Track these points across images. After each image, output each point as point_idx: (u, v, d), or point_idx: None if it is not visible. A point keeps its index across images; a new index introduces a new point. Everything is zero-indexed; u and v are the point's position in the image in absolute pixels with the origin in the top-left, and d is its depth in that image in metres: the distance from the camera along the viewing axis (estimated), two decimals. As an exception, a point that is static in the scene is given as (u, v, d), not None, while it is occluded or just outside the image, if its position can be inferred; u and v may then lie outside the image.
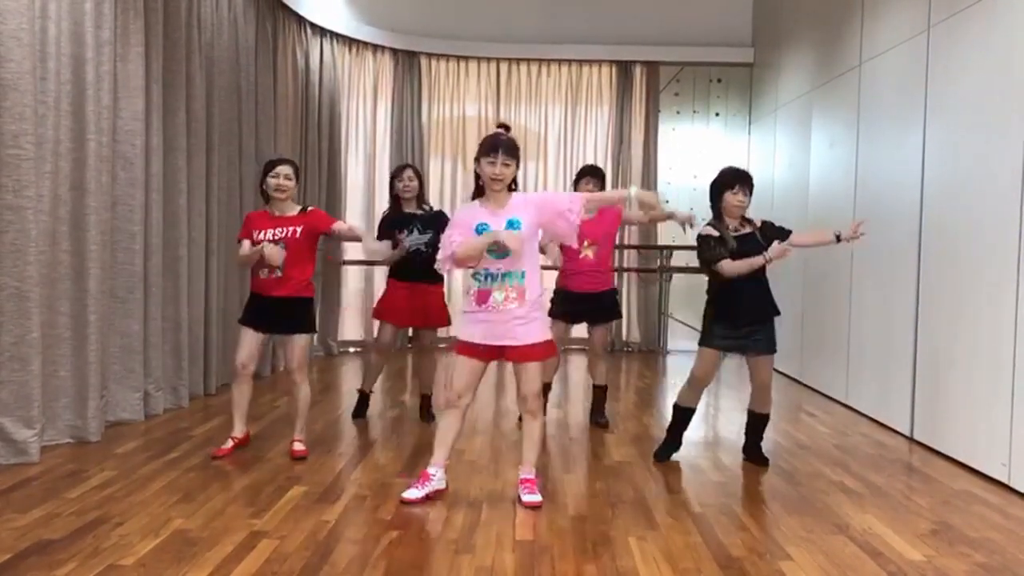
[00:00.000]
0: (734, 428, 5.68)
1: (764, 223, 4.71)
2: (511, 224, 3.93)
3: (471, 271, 4.03)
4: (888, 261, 5.93)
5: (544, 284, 4.15)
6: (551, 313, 5.64)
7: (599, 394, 5.80)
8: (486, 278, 3.96)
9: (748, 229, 4.65)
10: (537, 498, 3.97)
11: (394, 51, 9.55)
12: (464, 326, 4.06)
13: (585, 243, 5.40)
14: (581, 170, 5.72)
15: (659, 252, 9.75)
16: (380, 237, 5.54)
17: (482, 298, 3.97)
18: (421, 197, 5.65)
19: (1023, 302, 4.36)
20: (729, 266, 4.53)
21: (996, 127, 4.68)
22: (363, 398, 5.78)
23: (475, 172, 4.08)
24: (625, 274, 9.93)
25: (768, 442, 5.07)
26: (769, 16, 9.28)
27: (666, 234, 9.92)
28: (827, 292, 7.11)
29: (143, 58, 5.42)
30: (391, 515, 3.78)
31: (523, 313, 3.95)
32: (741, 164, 9.54)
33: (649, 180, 9.82)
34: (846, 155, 6.78)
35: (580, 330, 5.95)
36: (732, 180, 4.63)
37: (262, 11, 7.42)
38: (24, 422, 4.42)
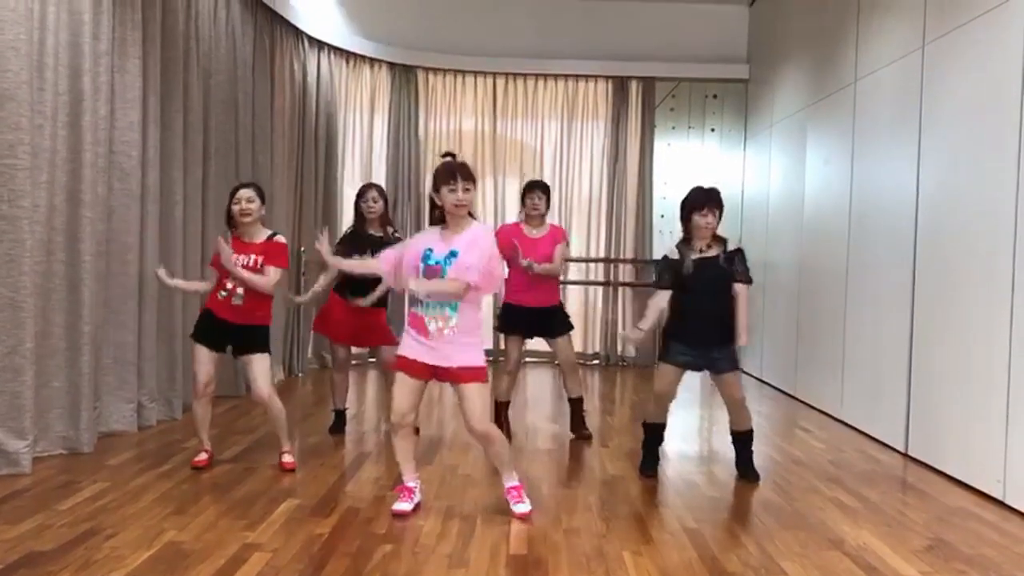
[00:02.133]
0: (728, 443, 5.68)
1: (736, 252, 4.68)
2: (452, 254, 3.88)
3: (410, 296, 4.02)
4: (883, 277, 5.95)
5: (483, 309, 4.13)
6: (502, 329, 5.72)
7: (576, 407, 5.78)
8: (418, 304, 3.95)
9: (713, 252, 4.64)
10: (526, 508, 3.98)
11: (391, 64, 9.57)
12: (403, 342, 4.05)
13: (527, 261, 5.38)
14: (527, 184, 5.78)
15: (654, 266, 9.75)
16: (336, 254, 5.51)
17: (415, 322, 3.96)
18: (385, 218, 5.60)
19: (1017, 318, 4.37)
20: (653, 299, 4.75)
21: (990, 144, 4.70)
22: (339, 415, 5.76)
23: (431, 199, 4.03)
24: (620, 288, 9.93)
25: (762, 457, 5.07)
26: (765, 33, 9.33)
27: (661, 248, 9.92)
28: (821, 307, 7.12)
29: (140, 70, 5.43)
30: (385, 528, 3.76)
31: (453, 339, 3.91)
32: (736, 180, 9.66)
33: (644, 195, 9.85)
34: (841, 172, 6.80)
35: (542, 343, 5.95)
36: (702, 201, 4.64)
37: (259, 24, 7.44)
38: (16, 433, 4.40)
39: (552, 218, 6.01)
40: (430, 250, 3.95)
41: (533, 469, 4.89)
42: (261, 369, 4.72)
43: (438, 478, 4.62)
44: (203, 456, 4.72)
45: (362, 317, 5.48)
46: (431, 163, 9.82)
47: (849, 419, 6.44)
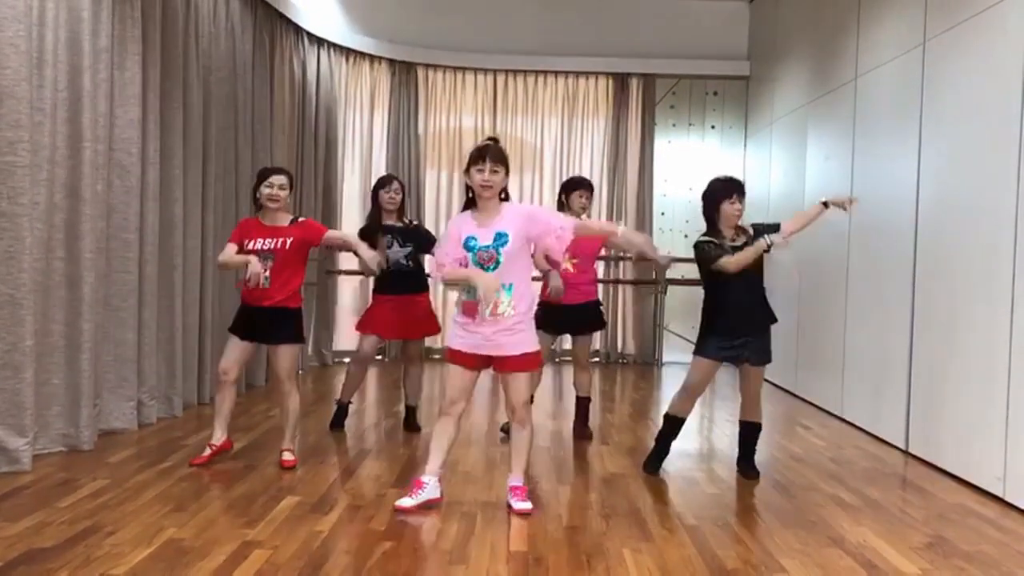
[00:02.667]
0: (728, 440, 5.68)
1: (754, 227, 4.68)
2: (499, 236, 3.93)
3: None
4: (883, 274, 5.94)
5: (534, 295, 4.16)
6: (537, 326, 5.65)
7: (584, 405, 5.77)
8: (474, 290, 3.94)
9: (743, 239, 4.64)
10: (527, 505, 3.99)
11: (391, 62, 9.57)
12: (453, 334, 4.08)
13: (567, 256, 5.39)
14: (572, 181, 5.75)
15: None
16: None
17: (469, 309, 3.98)
18: (402, 210, 5.65)
19: (1018, 315, 4.37)
20: (732, 262, 4.47)
21: (991, 141, 4.69)
22: (341, 409, 5.75)
23: (466, 184, 4.09)
24: (621, 286, 9.93)
25: (763, 454, 5.07)
26: (765, 30, 9.32)
27: (662, 246, 9.91)
28: (822, 305, 7.11)
29: (140, 67, 5.42)
30: (385, 525, 3.76)
31: (510, 325, 3.96)
32: (736, 176, 9.62)
33: (644, 192, 9.84)
34: (841, 168, 6.80)
35: (566, 341, 5.95)
36: (729, 189, 4.63)
37: (259, 21, 7.43)
38: (16, 430, 4.39)
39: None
40: (473, 237, 3.96)
41: (533, 466, 4.88)
42: (285, 362, 4.74)
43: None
44: (206, 452, 4.72)
45: (408, 308, 5.53)
46: (431, 160, 9.83)
47: (849, 417, 6.44)
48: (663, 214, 9.89)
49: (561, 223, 4.03)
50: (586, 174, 9.88)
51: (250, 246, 4.64)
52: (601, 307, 5.87)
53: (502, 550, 3.51)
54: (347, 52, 9.18)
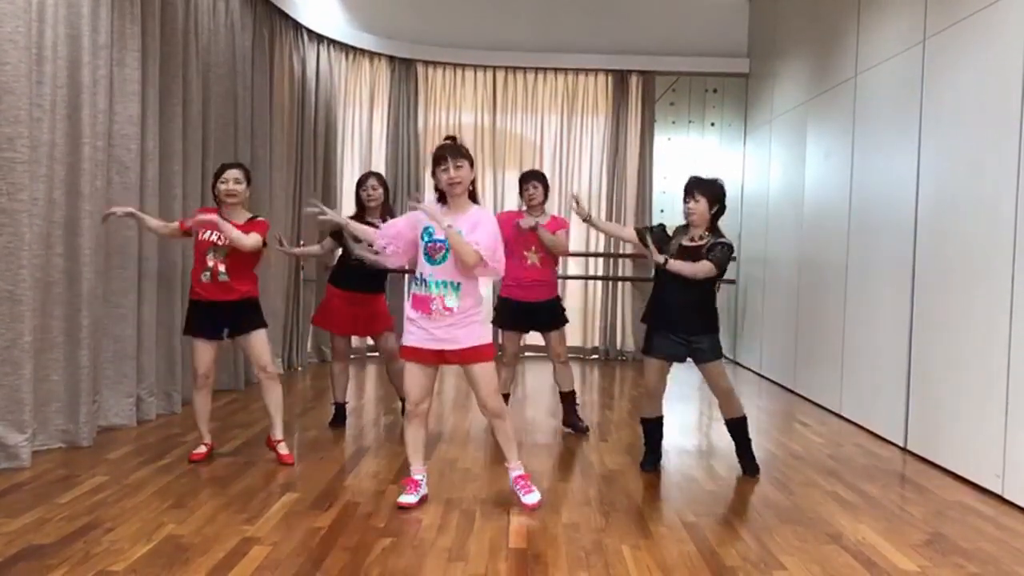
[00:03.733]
0: (727, 437, 5.68)
1: (719, 243, 4.59)
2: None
3: (415, 276, 4.07)
4: (882, 271, 5.94)
5: (481, 295, 4.17)
6: (500, 324, 5.69)
7: (569, 399, 5.77)
8: (422, 284, 3.99)
9: (704, 242, 4.62)
10: (536, 498, 4.02)
11: (391, 58, 9.56)
12: (406, 331, 4.08)
13: (532, 249, 5.51)
14: (524, 174, 5.77)
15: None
16: (337, 243, 5.59)
17: (419, 304, 4.01)
18: (386, 207, 5.62)
19: (1017, 313, 4.37)
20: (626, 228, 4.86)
21: (991, 139, 4.69)
22: (339, 408, 5.76)
23: (434, 187, 4.13)
24: (620, 283, 9.93)
25: (761, 451, 5.07)
26: (765, 27, 9.31)
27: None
28: (821, 302, 7.11)
29: (139, 63, 5.42)
30: (384, 522, 3.77)
31: (458, 318, 3.98)
32: (736, 174, 9.64)
33: (644, 189, 9.83)
34: (841, 166, 6.80)
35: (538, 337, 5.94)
36: (687, 187, 4.70)
37: (259, 17, 7.42)
38: (15, 427, 4.39)
39: (552, 212, 6.00)
40: (429, 228, 3.99)
41: (532, 463, 4.89)
42: (260, 345, 4.74)
43: (437, 472, 4.62)
44: (202, 449, 4.73)
45: (361, 305, 5.52)
46: (430, 157, 9.79)
47: (848, 414, 6.44)
48: (662, 211, 9.89)
49: (486, 251, 3.92)
50: (585, 171, 9.93)
51: (204, 236, 4.62)
52: (561, 302, 5.87)
53: (501, 547, 3.51)
54: (347, 49, 9.17)
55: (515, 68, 9.91)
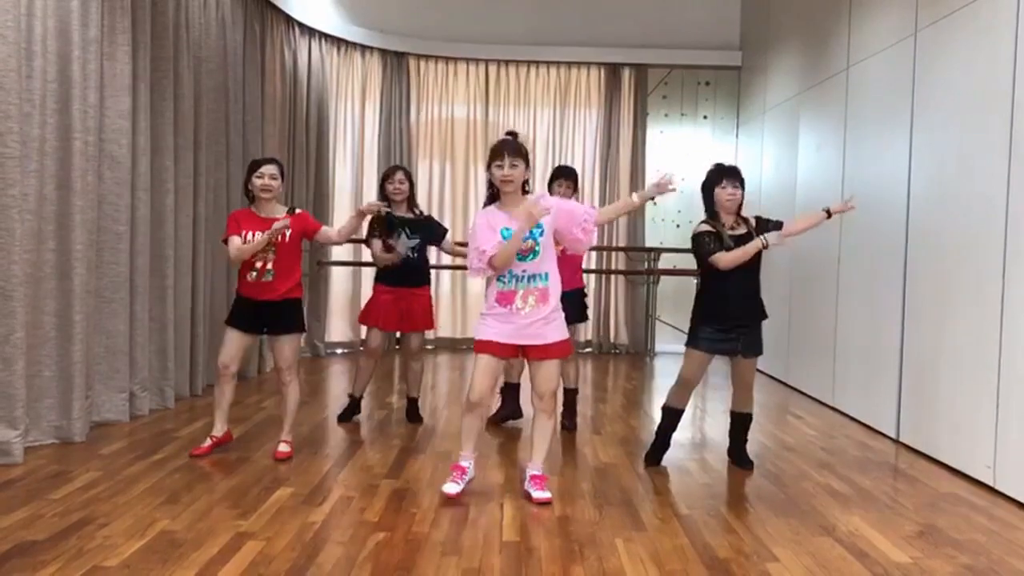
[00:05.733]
0: (721, 430, 5.69)
1: (758, 220, 4.69)
2: (535, 227, 3.97)
3: (496, 275, 4.07)
4: (874, 263, 5.96)
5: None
6: None
7: (570, 397, 5.75)
8: (510, 280, 4.02)
9: (744, 229, 4.63)
10: (547, 495, 4.04)
11: (383, 52, 9.54)
12: (484, 326, 4.08)
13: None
14: (555, 171, 5.65)
15: (646, 254, 9.76)
16: (368, 237, 5.53)
17: (505, 299, 4.02)
18: (412, 200, 5.61)
19: (1008, 304, 4.39)
20: (726, 258, 4.47)
21: (982, 131, 4.70)
22: (353, 403, 5.75)
23: (488, 181, 4.17)
24: (613, 277, 9.94)
25: (754, 444, 5.09)
26: (757, 20, 9.31)
27: (653, 236, 9.94)
28: (814, 294, 7.13)
29: (130, 57, 5.39)
30: (378, 516, 3.77)
31: (546, 314, 4.03)
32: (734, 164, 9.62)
33: (637, 182, 9.82)
34: (833, 158, 6.81)
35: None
36: (719, 176, 4.65)
37: (250, 11, 7.40)
38: (8, 423, 4.38)
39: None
40: (508, 229, 4.00)
41: (526, 456, 4.90)
42: (289, 352, 4.76)
43: (431, 466, 4.62)
44: (207, 443, 4.72)
45: (408, 300, 5.52)
46: (423, 151, 9.82)
47: (841, 406, 6.47)
48: (655, 204, 9.88)
49: (584, 214, 4.09)
50: (578, 164, 9.89)
51: (249, 237, 4.62)
52: (585, 296, 5.83)
53: (495, 540, 3.52)
54: (338, 42, 9.15)
55: (507, 61, 9.90)
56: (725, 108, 10.02)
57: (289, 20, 8.22)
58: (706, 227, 4.61)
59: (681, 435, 5.55)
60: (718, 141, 10.00)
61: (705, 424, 6.15)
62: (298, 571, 3.12)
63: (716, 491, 4.38)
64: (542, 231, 4.01)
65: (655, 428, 4.92)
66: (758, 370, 8.56)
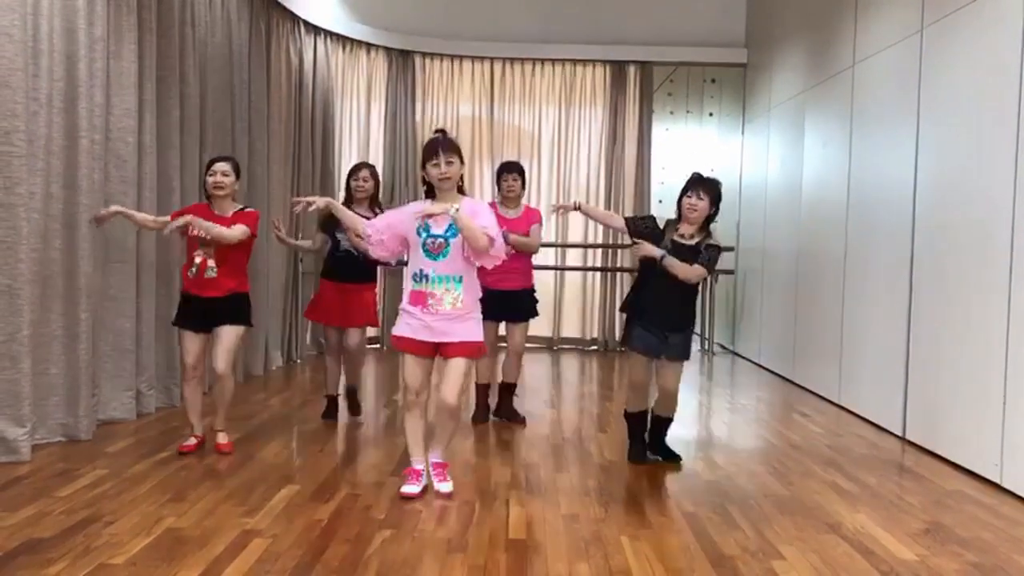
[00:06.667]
0: (727, 428, 5.70)
1: (712, 246, 4.61)
2: (451, 227, 3.96)
3: (410, 272, 4.05)
4: (881, 261, 5.94)
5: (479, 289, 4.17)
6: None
7: (507, 391, 5.73)
8: (422, 279, 3.99)
9: (699, 238, 4.61)
10: (448, 487, 4.07)
11: (388, 50, 9.54)
12: (400, 322, 4.09)
13: (503, 229, 5.42)
14: (502, 165, 5.73)
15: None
16: (318, 228, 5.60)
17: (417, 299, 4.01)
18: (375, 199, 5.61)
19: (1015, 301, 4.37)
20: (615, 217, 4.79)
21: (988, 128, 4.69)
22: (331, 401, 5.75)
23: (423, 179, 4.14)
24: (618, 274, 9.93)
25: (760, 441, 5.09)
26: (763, 16, 9.29)
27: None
28: (820, 291, 7.12)
29: (136, 55, 5.40)
30: (384, 514, 3.77)
31: (458, 314, 4.00)
32: (734, 164, 9.65)
33: (642, 180, 9.82)
34: (839, 155, 6.79)
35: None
36: (688, 184, 4.67)
37: (256, 9, 7.40)
38: (15, 420, 4.40)
39: (526, 202, 5.90)
40: (427, 224, 3.99)
41: (531, 454, 4.91)
42: (226, 342, 4.72)
43: (437, 464, 4.63)
44: (191, 441, 4.74)
45: (350, 295, 5.52)
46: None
47: (847, 403, 6.45)
48: (660, 202, 9.88)
49: (494, 233, 3.98)
50: (583, 162, 9.92)
51: (194, 232, 4.63)
52: (535, 294, 5.82)
53: (500, 537, 3.52)
54: (344, 40, 9.15)
55: (513, 59, 9.89)
56: (731, 105, 10.00)
57: (295, 18, 8.22)
58: (661, 221, 4.71)
59: (686, 433, 5.55)
60: (724, 138, 9.99)
61: (711, 422, 6.15)
62: (304, 568, 3.13)
63: (721, 489, 4.37)
64: (455, 233, 3.96)
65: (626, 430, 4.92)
66: (764, 367, 8.57)
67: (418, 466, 4.13)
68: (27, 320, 4.44)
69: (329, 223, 5.43)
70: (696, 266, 4.54)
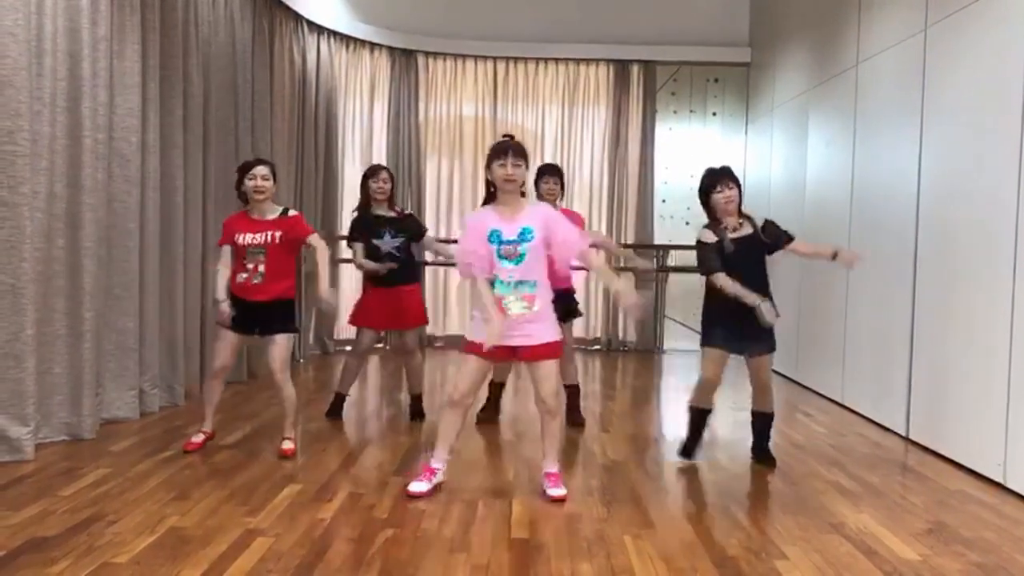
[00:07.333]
0: (729, 427, 5.70)
1: (767, 223, 4.68)
2: (524, 232, 4.00)
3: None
4: (884, 260, 5.93)
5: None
6: None
7: (573, 392, 5.74)
8: (498, 285, 4.02)
9: (748, 230, 4.62)
10: (562, 491, 4.06)
11: (391, 49, 9.54)
12: (476, 327, 4.08)
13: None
14: (541, 168, 5.64)
15: (655, 252, 9.75)
16: (351, 239, 5.56)
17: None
18: (392, 199, 5.64)
19: (1019, 301, 4.37)
20: (722, 281, 4.50)
21: (992, 127, 4.68)
22: (338, 399, 5.75)
23: (486, 180, 4.15)
24: (621, 274, 9.91)
25: (764, 441, 5.07)
26: (766, 16, 9.29)
27: (662, 234, 9.92)
28: (823, 291, 7.11)
29: (139, 55, 5.41)
30: (387, 513, 3.77)
31: (534, 317, 4.03)
32: (737, 164, 9.62)
33: (646, 180, 9.81)
34: (842, 155, 6.79)
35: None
36: (712, 180, 4.66)
37: (259, 8, 7.40)
38: (19, 419, 4.40)
39: (561, 204, 5.92)
40: (497, 231, 4.01)
41: (535, 454, 4.90)
42: (281, 351, 4.74)
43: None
44: (199, 438, 4.75)
45: (399, 298, 5.52)
46: (431, 148, 9.82)
47: (850, 403, 6.45)
48: (664, 201, 9.88)
49: (578, 241, 4.10)
50: (587, 162, 9.91)
51: (239, 241, 4.64)
52: (575, 295, 5.81)
53: (503, 537, 3.52)
54: (347, 40, 9.15)
55: (516, 59, 9.88)
56: (734, 105, 9.99)
57: (298, 17, 8.22)
58: (709, 234, 4.61)
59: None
60: (727, 138, 9.98)
61: (714, 421, 6.13)
62: (307, 568, 3.13)
63: (725, 488, 4.37)
64: (531, 237, 3.99)
65: (686, 423, 4.91)
66: (768, 368, 8.52)
67: (436, 465, 4.12)
68: (31, 319, 4.45)
69: (364, 228, 5.45)
70: (796, 245, 4.70)
